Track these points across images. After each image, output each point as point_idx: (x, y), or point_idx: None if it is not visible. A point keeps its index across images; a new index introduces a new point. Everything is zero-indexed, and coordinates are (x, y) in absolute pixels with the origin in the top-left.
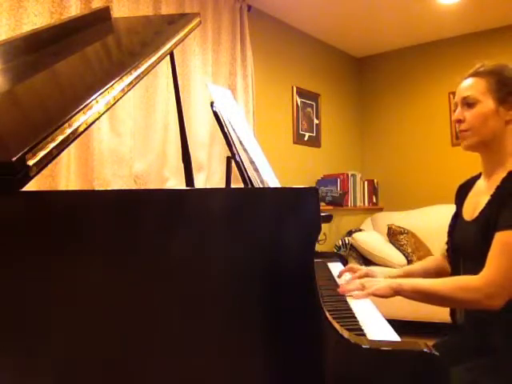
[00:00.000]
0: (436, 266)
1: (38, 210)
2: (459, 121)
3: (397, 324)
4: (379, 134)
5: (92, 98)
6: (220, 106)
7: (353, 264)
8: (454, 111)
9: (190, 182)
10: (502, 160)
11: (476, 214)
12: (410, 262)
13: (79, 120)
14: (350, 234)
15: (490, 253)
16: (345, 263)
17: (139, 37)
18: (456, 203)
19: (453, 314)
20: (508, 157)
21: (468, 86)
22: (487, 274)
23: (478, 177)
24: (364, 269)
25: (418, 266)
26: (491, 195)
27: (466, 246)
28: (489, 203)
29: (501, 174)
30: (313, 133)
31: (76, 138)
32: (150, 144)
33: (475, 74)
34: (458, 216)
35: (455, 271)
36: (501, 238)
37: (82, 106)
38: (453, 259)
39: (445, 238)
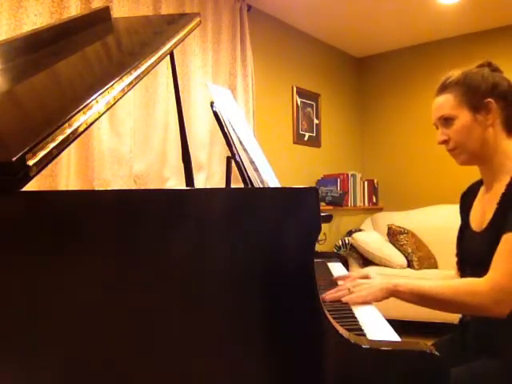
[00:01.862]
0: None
1: (38, 209)
2: (444, 141)
3: (397, 324)
4: (379, 133)
5: (92, 97)
6: (220, 106)
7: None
8: (437, 128)
9: (190, 182)
10: (501, 165)
11: (484, 224)
12: (409, 262)
13: (79, 120)
14: (350, 234)
15: (496, 254)
16: (345, 263)
17: (139, 37)
18: (461, 213)
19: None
20: (506, 160)
21: (439, 105)
22: (494, 278)
23: (479, 183)
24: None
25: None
26: (497, 203)
27: (476, 257)
28: (496, 212)
29: (504, 180)
30: (313, 133)
31: (76, 138)
32: (149, 144)
33: (442, 90)
34: (465, 226)
35: None
36: (509, 239)
37: (82, 106)
38: (462, 270)
39: (446, 239)
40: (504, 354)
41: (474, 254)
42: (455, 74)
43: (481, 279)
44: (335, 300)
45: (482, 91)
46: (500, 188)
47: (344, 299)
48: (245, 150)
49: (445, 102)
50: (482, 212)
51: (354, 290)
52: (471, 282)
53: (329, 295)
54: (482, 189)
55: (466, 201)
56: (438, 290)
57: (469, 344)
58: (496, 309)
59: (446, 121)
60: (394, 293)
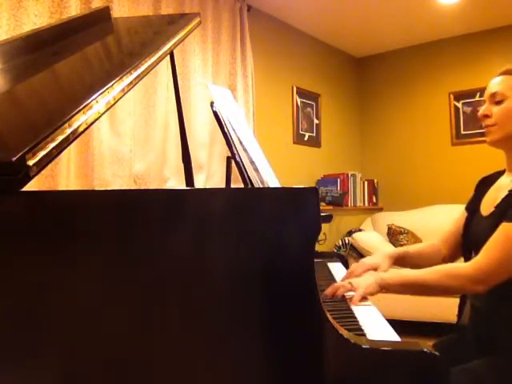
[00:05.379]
0: (432, 249)
1: (37, 209)
2: (486, 116)
3: (397, 324)
4: (379, 133)
5: (92, 97)
6: (220, 106)
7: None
8: (481, 106)
9: (190, 182)
10: None
11: (492, 209)
12: None
13: (79, 120)
14: (350, 233)
15: (489, 240)
16: (345, 263)
17: (139, 37)
18: (474, 195)
19: (459, 313)
20: None
21: (497, 83)
22: (479, 262)
23: (499, 173)
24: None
25: (413, 248)
26: (509, 190)
27: (479, 241)
28: (505, 198)
29: None
30: (313, 133)
31: (76, 138)
32: (150, 144)
33: (505, 73)
34: (474, 212)
35: None
36: (505, 229)
37: (82, 106)
38: (465, 254)
39: None
40: (503, 353)
41: (478, 237)
42: None
43: (466, 263)
44: (334, 296)
45: None
46: None
47: (351, 304)
48: (245, 149)
49: (503, 81)
50: (494, 198)
51: (354, 285)
52: (456, 266)
53: (330, 292)
54: (501, 178)
55: (483, 186)
56: (423, 276)
57: (468, 344)
58: (471, 287)
59: (497, 101)
60: (384, 285)
